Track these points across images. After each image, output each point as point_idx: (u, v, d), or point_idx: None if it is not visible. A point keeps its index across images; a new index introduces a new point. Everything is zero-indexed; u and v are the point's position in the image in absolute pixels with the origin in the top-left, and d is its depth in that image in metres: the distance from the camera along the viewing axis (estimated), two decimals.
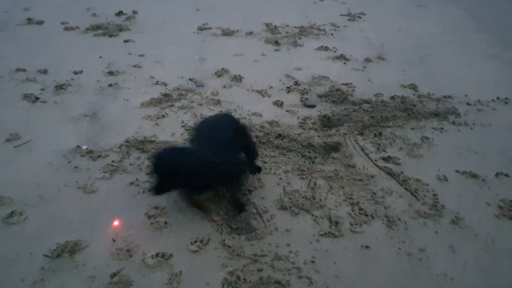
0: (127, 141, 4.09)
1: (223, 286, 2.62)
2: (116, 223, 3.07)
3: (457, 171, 3.80)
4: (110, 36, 6.96)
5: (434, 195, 3.48)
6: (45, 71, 5.52)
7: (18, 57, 5.92)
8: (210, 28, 7.52)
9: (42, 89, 5.07)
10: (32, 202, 3.26)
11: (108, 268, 2.72)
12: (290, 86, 5.42)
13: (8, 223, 3.04)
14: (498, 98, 5.17)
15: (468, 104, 5.05)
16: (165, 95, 5.03)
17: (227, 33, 7.30)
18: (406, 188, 3.56)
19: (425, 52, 6.74)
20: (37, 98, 4.83)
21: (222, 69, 5.77)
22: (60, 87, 5.11)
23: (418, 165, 3.89)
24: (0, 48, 6.22)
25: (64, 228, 3.02)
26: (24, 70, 5.51)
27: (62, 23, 7.37)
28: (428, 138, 4.29)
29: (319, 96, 5.18)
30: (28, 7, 8.24)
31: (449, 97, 5.21)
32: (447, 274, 2.77)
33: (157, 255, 2.81)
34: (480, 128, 4.54)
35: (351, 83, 5.51)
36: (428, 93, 5.32)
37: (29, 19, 7.51)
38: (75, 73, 5.53)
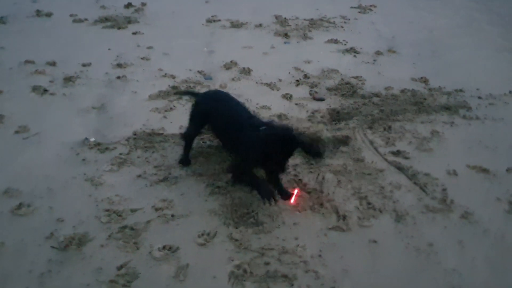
0: (135, 134, 4.09)
1: (229, 279, 2.62)
2: None
3: (467, 166, 3.75)
4: (119, 28, 6.95)
5: (444, 189, 3.44)
6: (53, 63, 5.53)
7: (27, 49, 5.93)
8: (219, 20, 7.47)
9: (51, 81, 5.08)
10: (40, 194, 3.27)
11: (115, 260, 2.72)
12: (299, 79, 5.37)
13: (16, 215, 3.06)
14: (510, 92, 5.10)
15: (479, 98, 4.98)
16: (173, 87, 5.02)
17: (236, 25, 7.25)
18: (415, 183, 3.52)
19: (436, 45, 6.65)
20: (45, 90, 4.84)
21: (231, 61, 5.74)
22: (68, 79, 5.12)
23: (428, 159, 3.85)
24: (9, 40, 6.24)
25: (71, 220, 3.03)
26: (33, 62, 5.53)
27: (71, 15, 7.37)
28: (438, 132, 4.24)
29: (329, 89, 5.13)
30: None
31: (461, 90, 5.14)
32: (456, 269, 2.74)
33: (164, 247, 2.81)
34: (492, 122, 4.48)
35: (361, 76, 5.45)
36: (439, 86, 5.25)
37: (38, 11, 7.51)
38: (84, 65, 5.53)
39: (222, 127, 3.45)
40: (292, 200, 3.20)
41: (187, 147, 3.66)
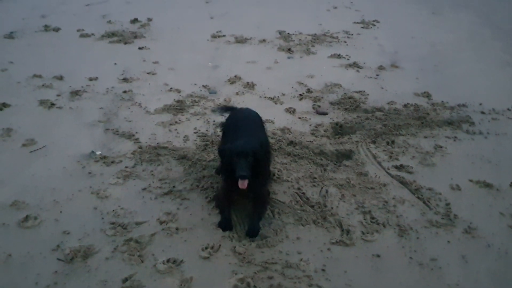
0: (140, 147, 4.14)
1: None
2: None
3: (470, 181, 3.76)
4: (125, 43, 7.06)
5: (447, 204, 3.45)
6: (61, 78, 5.61)
7: (35, 64, 6.03)
8: (224, 35, 7.57)
9: (58, 95, 5.15)
10: (47, 207, 3.31)
11: (120, 272, 2.74)
12: (303, 93, 5.42)
13: (23, 227, 3.09)
14: None
15: (482, 112, 5.00)
16: (179, 101, 5.08)
17: (241, 40, 7.34)
18: (418, 197, 3.53)
19: (439, 59, 6.70)
20: (53, 104, 4.91)
21: (235, 76, 5.81)
22: (75, 93, 5.19)
23: (431, 174, 3.87)
24: (17, 55, 6.35)
25: (77, 233, 3.05)
26: (40, 76, 5.61)
27: (78, 30, 7.50)
28: (441, 147, 4.26)
29: (332, 103, 5.18)
30: (45, 14, 8.39)
31: (463, 105, 5.17)
32: (459, 284, 2.74)
33: (168, 260, 2.83)
34: (495, 137, 4.50)
35: (364, 91, 5.49)
36: (442, 101, 5.28)
37: (46, 26, 7.65)
38: (90, 79, 5.61)
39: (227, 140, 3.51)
40: None
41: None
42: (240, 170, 2.96)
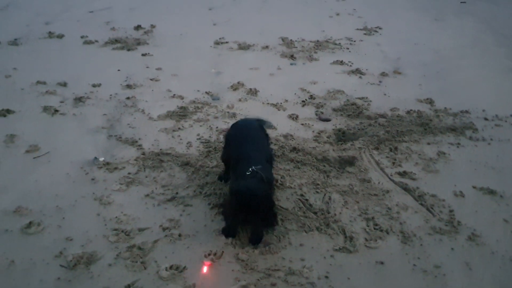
0: (143, 153, 4.14)
1: None
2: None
3: (474, 187, 3.75)
4: (129, 49, 7.09)
5: (451, 211, 3.44)
6: (64, 84, 5.64)
7: (38, 70, 6.05)
8: (227, 42, 7.60)
9: (62, 102, 5.17)
10: (50, 213, 3.31)
11: (123, 279, 2.74)
12: (305, 99, 5.43)
13: (26, 233, 3.10)
14: None
15: (485, 119, 5.00)
16: (182, 108, 5.09)
17: (243, 47, 7.37)
18: (421, 204, 3.52)
19: (442, 66, 6.70)
20: (56, 111, 4.93)
21: (238, 82, 5.82)
22: (79, 100, 5.21)
23: (434, 180, 3.86)
24: (21, 61, 6.38)
25: (80, 239, 3.06)
26: (44, 82, 5.64)
27: (81, 37, 7.54)
28: (444, 153, 4.25)
29: (334, 110, 5.18)
30: (49, 21, 8.45)
31: (466, 112, 5.16)
32: None
33: (171, 267, 2.83)
34: (498, 144, 4.49)
35: (367, 97, 5.50)
36: (445, 107, 5.28)
37: (50, 32, 7.69)
38: (94, 86, 5.63)
39: (230, 155, 3.47)
40: (205, 269, 2.87)
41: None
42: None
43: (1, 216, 3.26)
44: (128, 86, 5.67)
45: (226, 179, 3.68)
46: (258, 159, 3.17)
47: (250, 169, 3.03)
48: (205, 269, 2.85)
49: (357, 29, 8.59)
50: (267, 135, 3.69)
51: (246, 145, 3.34)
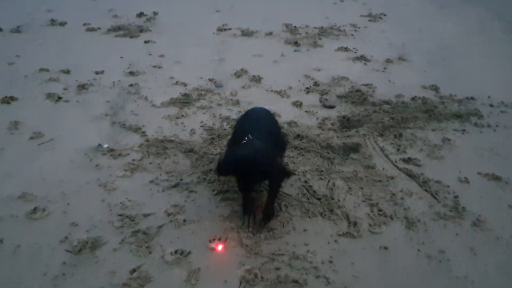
0: (147, 140, 4.14)
1: (240, 283, 2.64)
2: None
3: (479, 173, 3.74)
4: (131, 37, 7.06)
5: (455, 197, 3.43)
6: (67, 71, 5.63)
7: (41, 58, 6.04)
8: (230, 29, 7.55)
9: (65, 89, 5.16)
10: (55, 199, 3.33)
11: (128, 264, 2.76)
12: (310, 86, 5.40)
13: (31, 219, 3.11)
14: None
15: (491, 105, 4.97)
16: (185, 95, 5.07)
17: (247, 33, 7.32)
18: (426, 190, 3.51)
19: (447, 52, 6.65)
20: (59, 98, 4.93)
21: (241, 69, 5.79)
22: (82, 87, 5.20)
23: (439, 166, 3.84)
24: (24, 49, 6.37)
25: (85, 224, 3.07)
26: (47, 70, 5.63)
27: (84, 24, 7.50)
28: (449, 140, 4.24)
29: (339, 96, 5.15)
30: (52, 9, 8.39)
31: (472, 98, 5.13)
32: (468, 277, 2.73)
33: (176, 252, 2.84)
34: (504, 130, 4.46)
35: (371, 84, 5.46)
36: (450, 94, 5.24)
37: (52, 20, 7.66)
38: (97, 73, 5.62)
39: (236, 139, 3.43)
40: (219, 247, 2.92)
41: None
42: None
43: (6, 201, 3.28)
44: (131, 73, 5.65)
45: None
46: (259, 136, 3.09)
47: (245, 138, 3.02)
48: (219, 247, 2.90)
49: (362, 15, 8.52)
50: (277, 122, 3.62)
51: (249, 125, 3.30)
